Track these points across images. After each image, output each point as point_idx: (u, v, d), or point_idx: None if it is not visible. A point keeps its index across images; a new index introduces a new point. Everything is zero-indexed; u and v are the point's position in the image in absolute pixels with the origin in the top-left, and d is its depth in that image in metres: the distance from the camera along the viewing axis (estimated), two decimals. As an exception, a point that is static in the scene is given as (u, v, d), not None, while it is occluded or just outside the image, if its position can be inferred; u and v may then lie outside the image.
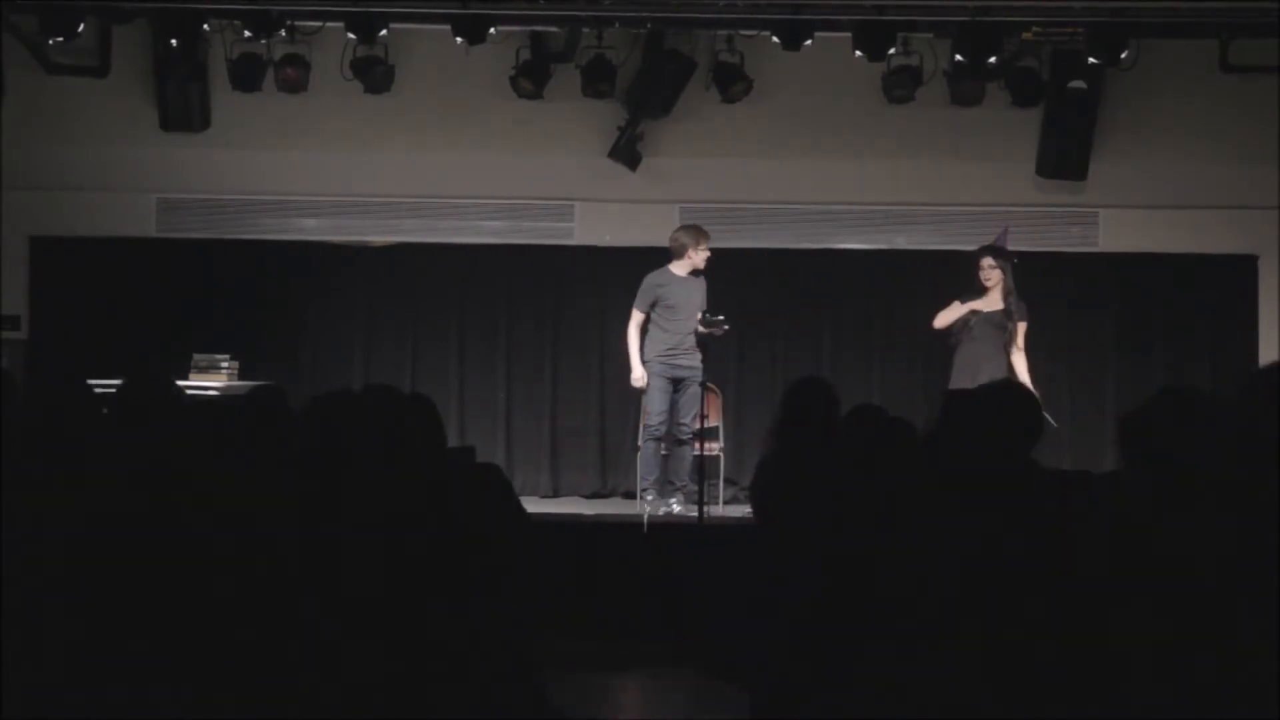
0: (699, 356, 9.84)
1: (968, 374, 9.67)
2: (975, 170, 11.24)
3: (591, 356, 11.51)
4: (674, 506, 9.93)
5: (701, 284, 10.03)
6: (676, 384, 9.97)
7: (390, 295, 11.57)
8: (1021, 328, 9.92)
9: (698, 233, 10.06)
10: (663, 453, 10.19)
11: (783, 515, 4.86)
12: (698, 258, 9.97)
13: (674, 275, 10.00)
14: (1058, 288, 11.39)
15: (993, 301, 9.91)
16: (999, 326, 9.81)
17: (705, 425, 9.93)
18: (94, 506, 3.96)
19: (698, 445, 9.80)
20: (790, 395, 5.27)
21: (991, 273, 9.87)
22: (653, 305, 9.98)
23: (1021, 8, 10.20)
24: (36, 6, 10.10)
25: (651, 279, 10.02)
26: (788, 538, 4.72)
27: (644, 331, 10.06)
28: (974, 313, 9.85)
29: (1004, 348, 9.83)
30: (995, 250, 9.96)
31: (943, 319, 10.04)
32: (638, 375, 10.00)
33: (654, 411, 10.03)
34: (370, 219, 11.45)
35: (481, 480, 4.76)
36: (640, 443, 10.39)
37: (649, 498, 9.99)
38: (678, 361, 9.88)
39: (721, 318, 9.77)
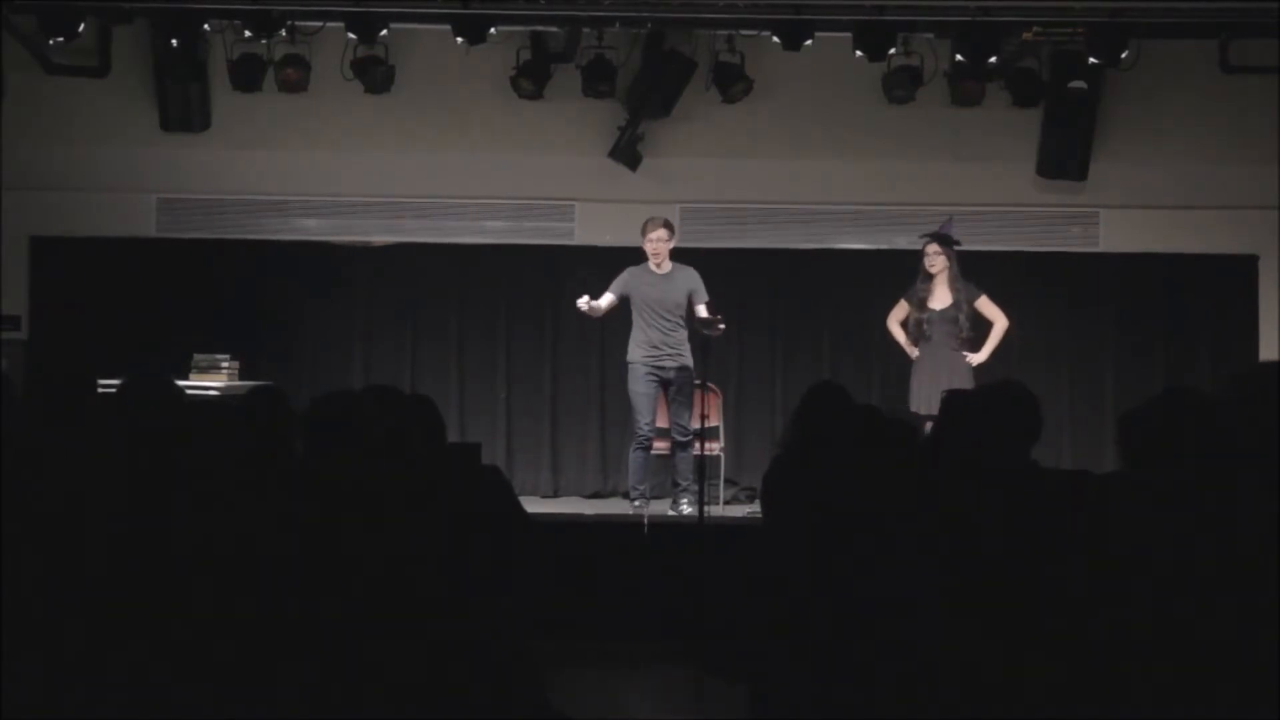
0: (686, 356, 9.71)
1: (926, 372, 9.79)
2: (975, 170, 11.24)
3: (591, 357, 11.50)
4: (684, 508, 9.73)
5: (684, 277, 9.82)
6: (667, 386, 9.80)
7: (390, 295, 11.56)
8: (982, 301, 10.04)
9: (643, 225, 9.90)
10: (660, 453, 10.11)
11: (788, 514, 4.87)
12: (645, 248, 9.82)
13: (646, 270, 9.84)
14: (1058, 288, 11.40)
15: (941, 296, 9.96)
16: (952, 321, 9.91)
17: (705, 425, 9.87)
18: (94, 507, 3.96)
19: (698, 445, 9.74)
20: (807, 398, 5.26)
21: (936, 259, 9.97)
22: (629, 300, 9.81)
23: (1021, 8, 10.19)
24: (36, 6, 10.10)
25: (627, 271, 9.87)
26: (792, 536, 4.73)
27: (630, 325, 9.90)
28: (929, 311, 9.92)
29: (961, 342, 9.92)
30: (939, 238, 10.02)
31: (895, 325, 10.13)
32: (584, 300, 9.68)
33: (639, 419, 9.84)
34: (370, 219, 11.44)
35: (482, 480, 4.77)
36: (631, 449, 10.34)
37: (636, 503, 9.92)
38: (661, 363, 9.70)
39: (719, 316, 9.67)
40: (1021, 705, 3.60)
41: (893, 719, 3.88)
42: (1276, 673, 3.30)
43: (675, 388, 9.78)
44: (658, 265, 9.85)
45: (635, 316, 9.85)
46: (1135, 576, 3.48)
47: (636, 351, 9.82)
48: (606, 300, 9.81)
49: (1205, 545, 3.43)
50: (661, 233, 9.82)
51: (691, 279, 9.86)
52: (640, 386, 9.82)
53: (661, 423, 10.02)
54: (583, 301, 9.70)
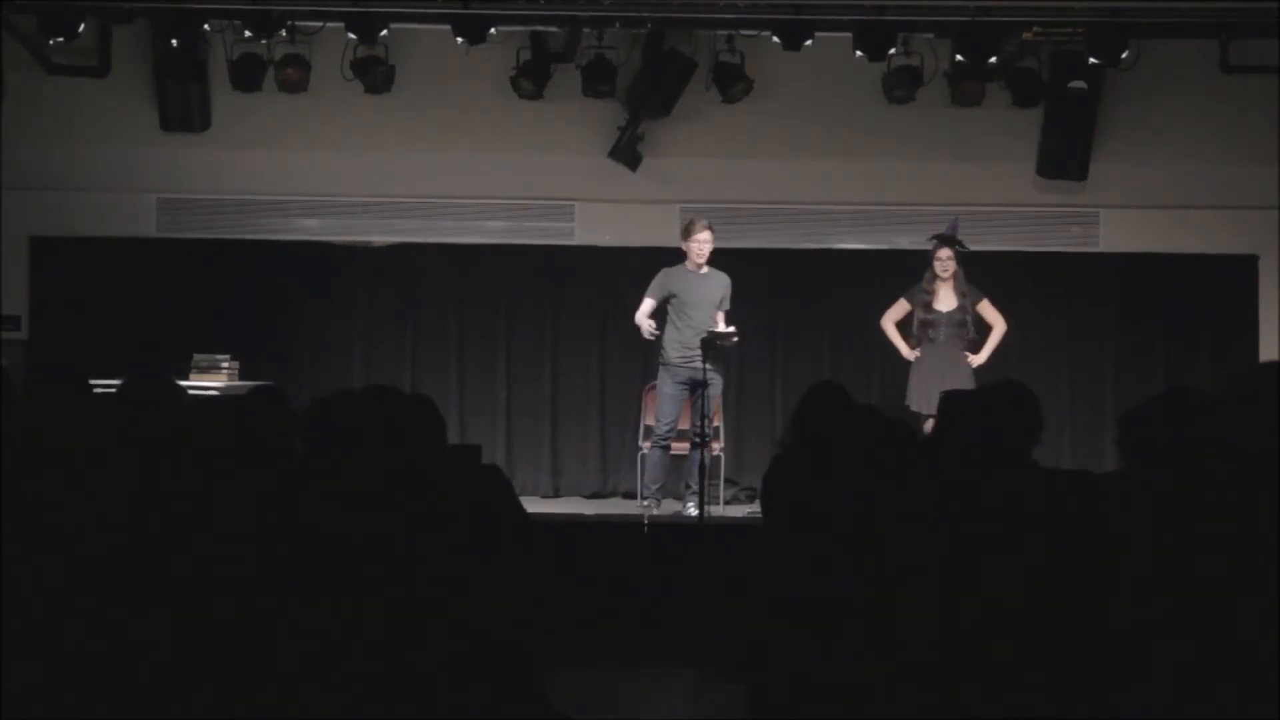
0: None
1: (931, 371, 9.79)
2: (975, 170, 11.24)
3: (591, 357, 11.50)
4: (691, 509, 9.66)
5: (720, 280, 9.87)
6: (694, 387, 9.70)
7: (390, 295, 11.56)
8: (984, 304, 10.09)
9: (688, 224, 9.98)
10: (678, 453, 10.07)
11: (788, 514, 4.86)
12: (691, 248, 9.86)
13: (684, 270, 9.88)
14: (1058, 288, 11.41)
15: (946, 298, 9.98)
16: (959, 323, 9.94)
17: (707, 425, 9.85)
18: (94, 507, 3.96)
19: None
20: (807, 398, 5.26)
21: (949, 264, 9.96)
22: (668, 300, 9.86)
23: (1021, 8, 10.20)
24: (36, 6, 10.11)
25: (663, 272, 9.94)
26: (792, 536, 4.73)
27: (660, 328, 9.88)
28: (934, 312, 9.94)
29: (966, 344, 9.95)
30: (950, 241, 10.04)
31: (891, 325, 10.14)
32: (643, 319, 9.76)
33: (662, 419, 9.86)
34: (370, 219, 11.44)
35: (482, 480, 4.76)
36: (645, 447, 10.32)
37: (649, 505, 9.91)
38: (696, 364, 9.58)
39: (733, 329, 9.70)
40: (1021, 705, 3.60)
41: (891, 719, 3.88)
42: (1277, 673, 3.30)
43: (708, 388, 9.65)
44: (698, 266, 9.85)
45: (671, 317, 9.85)
46: (1135, 576, 3.48)
47: (672, 353, 9.80)
48: (649, 307, 9.80)
49: (1205, 545, 3.43)
50: (708, 234, 9.85)
51: (725, 284, 9.91)
52: (670, 388, 9.83)
53: (682, 424, 10.01)
54: (647, 328, 9.75)
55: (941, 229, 10.19)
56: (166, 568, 3.85)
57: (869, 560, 4.09)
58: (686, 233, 9.92)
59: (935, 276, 9.99)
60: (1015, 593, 3.66)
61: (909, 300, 10.10)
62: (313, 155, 11.25)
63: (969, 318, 9.99)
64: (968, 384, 9.29)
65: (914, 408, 9.78)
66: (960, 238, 10.11)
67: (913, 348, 10.07)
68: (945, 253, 9.97)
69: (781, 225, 11.44)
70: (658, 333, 9.79)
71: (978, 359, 9.98)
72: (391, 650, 3.79)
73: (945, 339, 9.95)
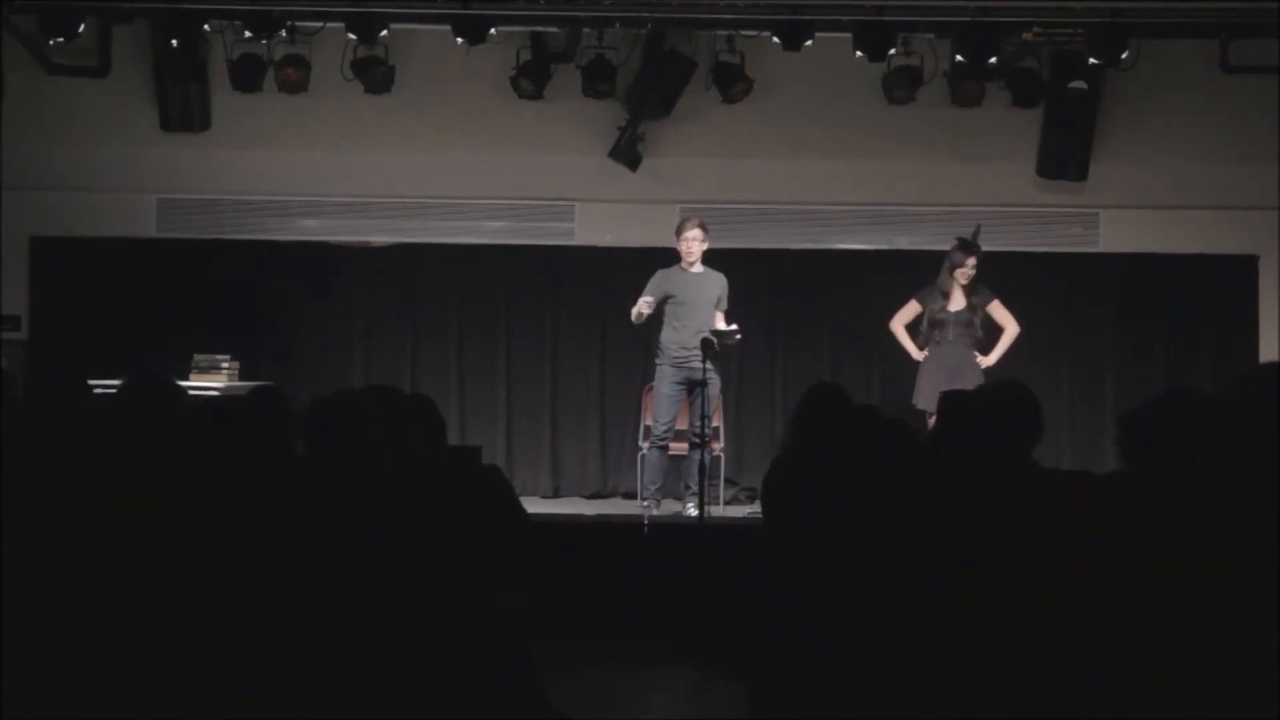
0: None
1: (941, 370, 9.79)
2: (975, 170, 11.24)
3: (591, 356, 11.50)
4: (691, 510, 9.64)
5: (716, 280, 9.88)
6: (692, 387, 9.71)
7: (390, 295, 11.56)
8: (994, 305, 10.09)
9: (680, 223, 10.00)
10: (677, 454, 10.07)
11: (788, 514, 4.87)
12: (679, 246, 9.88)
13: (679, 270, 9.89)
14: (1058, 288, 11.41)
15: (957, 298, 9.99)
16: (967, 323, 9.96)
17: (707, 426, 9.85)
18: (94, 507, 3.96)
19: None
20: (807, 398, 5.26)
21: (973, 271, 9.97)
22: (664, 301, 9.85)
23: (1021, 8, 10.20)
24: (36, 6, 10.11)
25: (658, 274, 9.93)
26: (792, 536, 4.73)
27: (658, 328, 9.90)
28: (946, 312, 9.94)
29: (974, 342, 9.95)
30: (978, 249, 10.05)
31: (900, 326, 10.14)
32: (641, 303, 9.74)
33: (660, 420, 9.86)
34: (370, 219, 11.44)
35: (483, 481, 4.76)
36: (645, 448, 10.32)
37: (649, 505, 9.91)
38: (693, 364, 9.59)
39: (735, 327, 9.70)
40: (1021, 705, 3.60)
41: (891, 719, 3.88)
42: (1277, 673, 3.30)
43: (705, 388, 9.62)
44: (690, 265, 9.86)
45: (668, 317, 9.85)
46: (1135, 576, 3.48)
47: (667, 353, 9.81)
48: (647, 305, 9.77)
49: (1205, 545, 3.43)
50: (697, 231, 9.86)
51: (721, 284, 9.91)
52: (666, 389, 9.82)
53: (681, 424, 10.00)
54: (646, 305, 9.70)
55: (965, 233, 10.17)
56: (167, 568, 3.85)
57: (869, 560, 4.09)
58: (678, 231, 9.94)
59: (954, 280, 9.98)
60: (1015, 593, 3.66)
61: (920, 301, 10.09)
62: (313, 155, 11.25)
63: (977, 317, 10.00)
64: (978, 383, 9.29)
65: (920, 406, 9.79)
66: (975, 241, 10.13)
67: (921, 348, 10.07)
68: (973, 261, 9.98)
69: (781, 225, 11.43)
70: (650, 300, 9.73)
71: (987, 360, 9.98)
72: (391, 651, 3.79)
73: (954, 338, 9.96)
